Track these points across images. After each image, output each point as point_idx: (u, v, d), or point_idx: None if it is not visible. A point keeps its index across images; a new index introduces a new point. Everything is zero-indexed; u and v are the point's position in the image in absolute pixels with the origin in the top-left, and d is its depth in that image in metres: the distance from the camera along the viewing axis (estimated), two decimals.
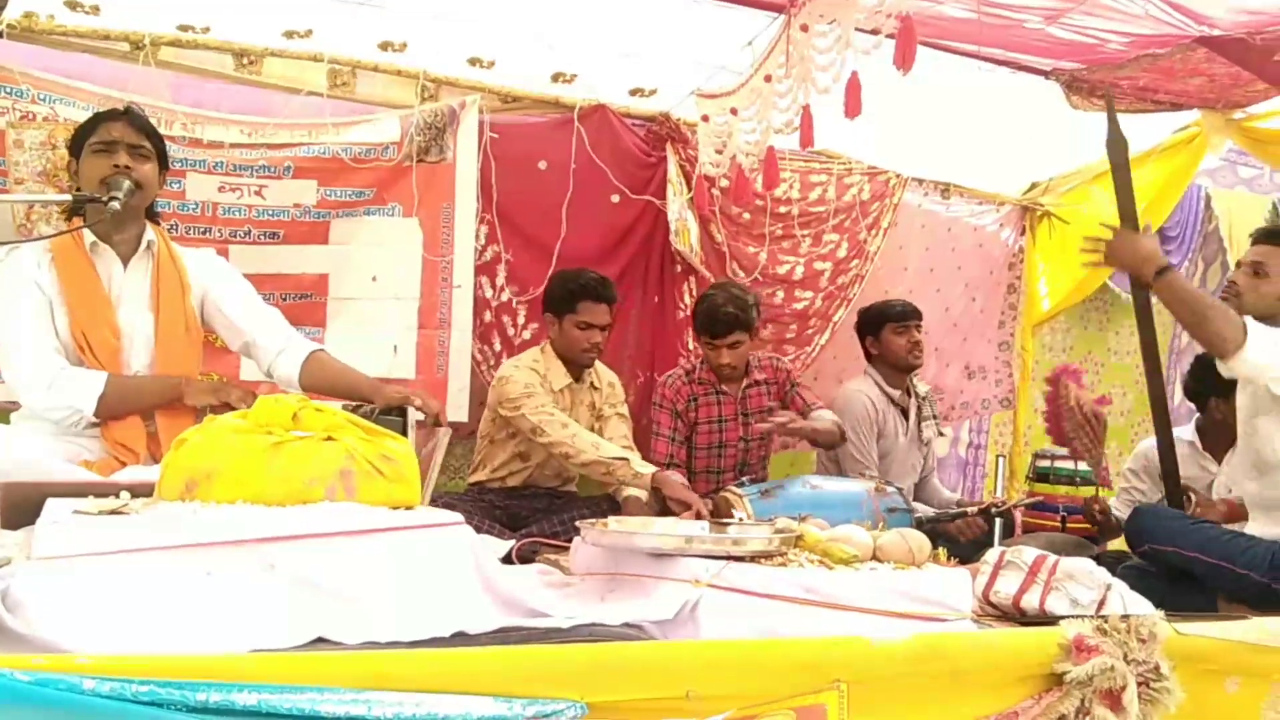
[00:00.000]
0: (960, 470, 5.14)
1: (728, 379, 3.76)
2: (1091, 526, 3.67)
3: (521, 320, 4.01)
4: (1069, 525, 3.70)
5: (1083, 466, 3.77)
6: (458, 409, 3.78)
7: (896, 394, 4.06)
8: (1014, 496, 3.78)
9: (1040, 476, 3.80)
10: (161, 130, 3.16)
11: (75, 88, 3.26)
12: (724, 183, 4.02)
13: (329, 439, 1.84)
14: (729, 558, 2.05)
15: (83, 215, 2.45)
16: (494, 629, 1.75)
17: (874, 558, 2.20)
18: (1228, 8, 3.22)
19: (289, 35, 3.46)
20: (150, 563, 1.63)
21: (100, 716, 1.34)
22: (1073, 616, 2.13)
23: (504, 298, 3.99)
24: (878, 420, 3.99)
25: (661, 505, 3.13)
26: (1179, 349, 5.53)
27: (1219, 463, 3.65)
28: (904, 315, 4.03)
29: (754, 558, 2.09)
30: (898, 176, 4.58)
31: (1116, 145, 3.25)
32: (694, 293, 4.19)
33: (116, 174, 2.39)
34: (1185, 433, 3.83)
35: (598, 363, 3.61)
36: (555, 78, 3.87)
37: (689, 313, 4.17)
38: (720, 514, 3.09)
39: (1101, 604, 2.21)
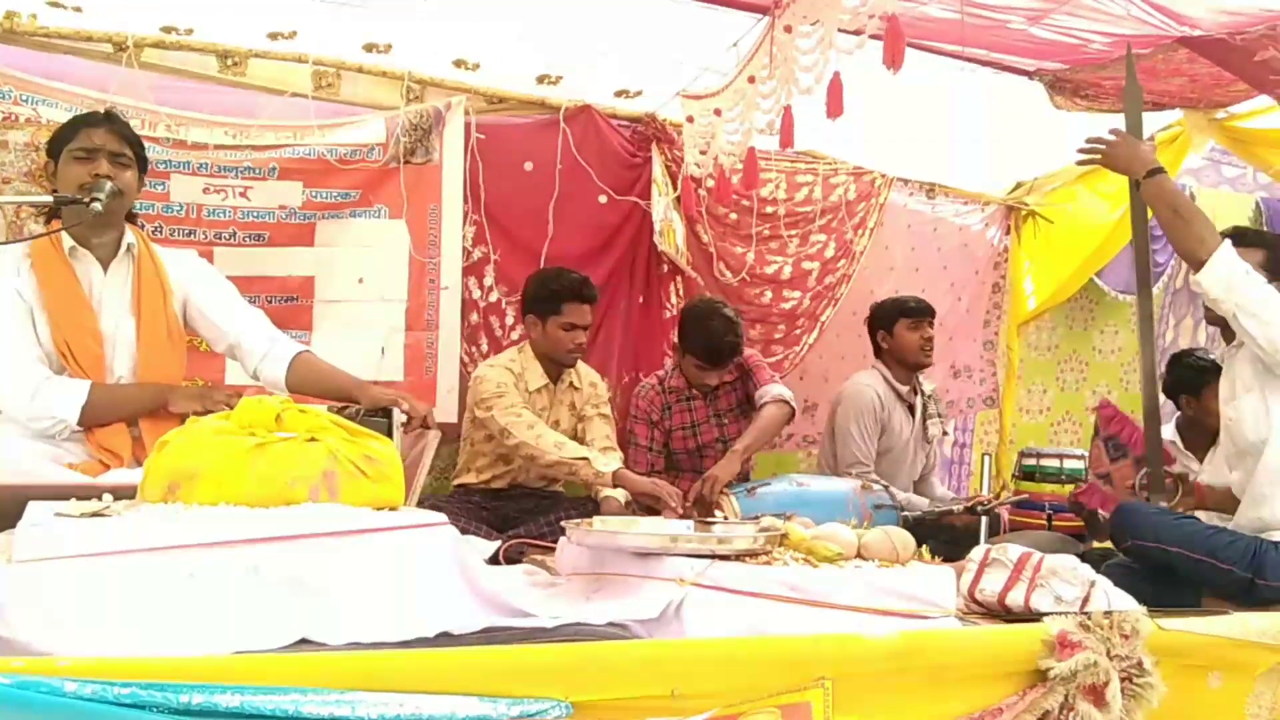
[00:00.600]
0: (946, 469, 5.16)
1: (700, 386, 3.77)
2: (1079, 522, 3.68)
3: (510, 321, 4.01)
4: (1055, 523, 3.71)
5: (1068, 465, 3.79)
6: (446, 411, 3.77)
7: (904, 390, 4.04)
8: (1001, 495, 3.79)
9: (1026, 475, 3.81)
10: (145, 132, 3.18)
11: (57, 89, 3.23)
12: (710, 183, 4.03)
13: (312, 440, 1.84)
14: (714, 556, 2.06)
15: (60, 218, 2.42)
16: (479, 629, 1.76)
17: (858, 555, 2.21)
18: (1209, 9, 3.25)
19: (273, 37, 3.45)
20: (132, 565, 1.62)
21: (82, 719, 1.34)
22: (1057, 613, 2.14)
23: (492, 298, 3.99)
24: (882, 415, 3.96)
25: (647, 505, 3.14)
26: (1162, 347, 5.55)
27: (1199, 461, 3.68)
28: (919, 311, 4.02)
29: (739, 556, 2.09)
30: (883, 177, 4.59)
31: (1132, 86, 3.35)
32: (680, 293, 4.19)
33: (97, 181, 2.37)
34: (1166, 431, 3.85)
35: (580, 363, 3.61)
36: (541, 79, 3.87)
37: (675, 313, 4.19)
38: (706, 512, 3.10)
39: (1086, 600, 2.22)
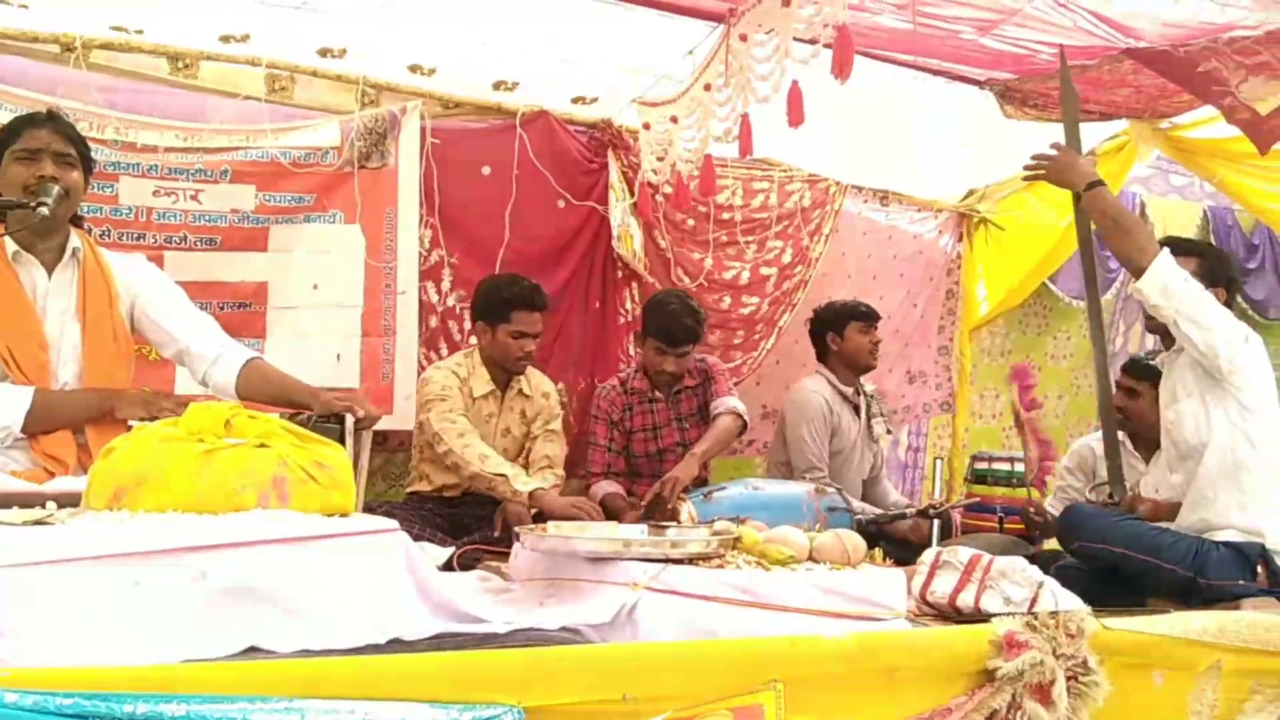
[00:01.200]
0: (900, 473, 5.22)
1: (663, 386, 3.78)
2: (1027, 528, 3.74)
3: (468, 325, 3.98)
4: (1006, 526, 3.77)
5: (1019, 468, 3.85)
6: (404, 417, 3.74)
7: (849, 391, 4.12)
8: (953, 498, 3.84)
9: (978, 478, 3.87)
10: (93, 134, 3.14)
11: (2, 91, 3.18)
12: (667, 189, 4.05)
13: (262, 445, 1.82)
14: (667, 560, 2.07)
15: (4, 222, 2.38)
16: (431, 635, 1.75)
17: (811, 558, 2.23)
18: (1152, 21, 3.32)
19: (225, 39, 3.42)
20: (77, 573, 1.59)
21: None
22: (1005, 614, 2.18)
23: (450, 302, 3.97)
24: (831, 419, 4.03)
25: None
26: (1112, 353, 5.66)
27: (1147, 462, 3.75)
28: (869, 315, 4.13)
29: (692, 560, 2.10)
30: (837, 184, 4.64)
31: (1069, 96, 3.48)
32: (636, 299, 4.21)
33: (42, 183, 2.33)
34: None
35: (533, 370, 3.60)
36: (497, 85, 3.87)
37: (632, 318, 4.20)
38: (662, 516, 3.11)
39: (1034, 601, 2.26)
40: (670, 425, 3.81)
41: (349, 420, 2.35)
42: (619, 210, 4.01)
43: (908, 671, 2.01)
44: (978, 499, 3.82)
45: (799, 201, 4.57)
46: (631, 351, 4.21)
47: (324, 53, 3.56)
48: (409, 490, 3.58)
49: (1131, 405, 3.82)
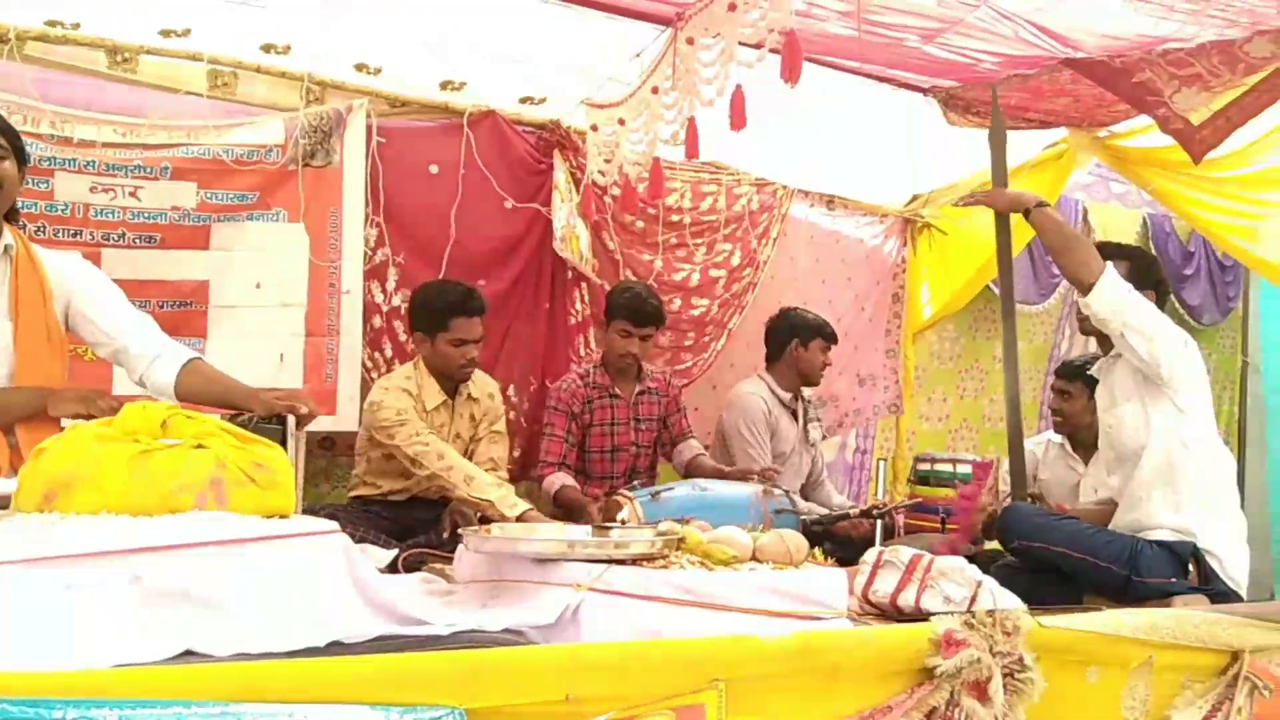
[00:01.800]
0: (847, 475, 5.27)
1: (623, 374, 3.80)
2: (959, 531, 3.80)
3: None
4: (949, 526, 3.82)
5: (961, 469, 3.91)
6: (348, 418, 3.71)
7: (787, 397, 4.18)
8: (896, 499, 3.90)
9: (921, 479, 3.92)
10: (28, 129, 3.07)
11: None
12: (616, 191, 4.06)
13: (199, 446, 1.80)
14: (611, 561, 2.07)
15: None
16: (371, 638, 1.74)
17: (754, 558, 2.25)
18: (1090, 32, 3.39)
19: (165, 34, 3.35)
20: (5, 577, 1.56)
21: None
22: (945, 613, 2.21)
23: (394, 303, 3.93)
24: (771, 422, 4.09)
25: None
26: (1058, 357, 5.77)
27: (1085, 464, 3.83)
28: (832, 338, 4.24)
29: (636, 560, 2.11)
30: (784, 188, 4.69)
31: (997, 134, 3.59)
32: (585, 300, 4.22)
33: None
34: (1055, 435, 4.01)
35: (476, 372, 3.57)
36: (444, 85, 3.85)
37: (581, 319, 4.21)
38: (610, 517, 3.11)
39: (973, 600, 2.30)
40: (628, 424, 3.83)
41: (290, 421, 2.32)
42: (563, 211, 4.01)
43: (848, 670, 2.03)
44: (920, 499, 3.87)
45: (747, 205, 4.60)
46: (581, 352, 4.22)
47: (268, 49, 3.51)
48: (353, 494, 3.54)
49: (1065, 407, 3.91)
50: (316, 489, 3.97)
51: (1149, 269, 3.15)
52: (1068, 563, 2.95)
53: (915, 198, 5.15)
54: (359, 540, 2.82)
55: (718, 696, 1.85)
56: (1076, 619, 2.34)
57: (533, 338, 4.22)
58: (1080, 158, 4.45)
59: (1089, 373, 3.49)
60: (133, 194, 3.39)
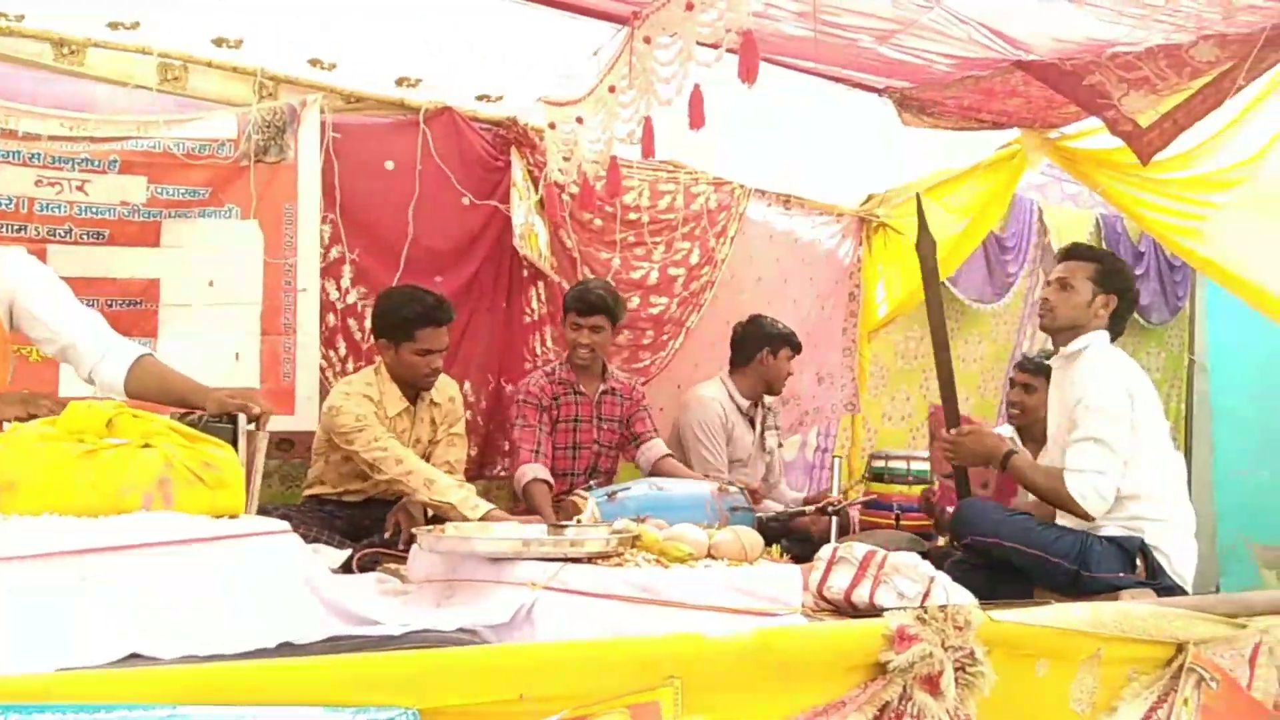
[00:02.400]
0: (808, 473, 5.30)
1: (583, 368, 3.80)
2: (927, 517, 3.85)
3: (369, 324, 3.91)
4: (903, 522, 3.87)
5: (915, 466, 3.96)
6: (306, 418, 3.65)
7: (746, 405, 4.20)
8: (851, 496, 3.94)
9: (876, 476, 3.96)
10: None
11: None
12: (574, 189, 4.05)
13: (146, 446, 1.77)
14: (566, 559, 2.07)
15: None
16: (322, 638, 1.72)
17: (709, 555, 2.25)
18: (1041, 35, 3.44)
19: (113, 26, 3.29)
20: None
21: None
22: (898, 608, 2.23)
23: (350, 300, 3.89)
24: (727, 426, 4.12)
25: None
26: (1020, 356, 5.84)
27: (1034, 456, 3.88)
28: (798, 346, 4.28)
29: (591, 559, 2.11)
30: (741, 187, 4.70)
31: (926, 243, 3.63)
32: (542, 298, 4.21)
33: None
34: (1005, 430, 4.07)
35: None
36: (400, 81, 3.82)
37: (538, 317, 4.20)
38: (568, 517, 3.11)
39: (926, 595, 2.33)
40: (591, 422, 3.85)
41: (241, 420, 2.29)
42: (522, 209, 4.00)
43: (802, 666, 2.04)
44: (875, 496, 3.91)
45: (705, 204, 4.61)
46: (538, 350, 4.21)
47: (219, 43, 3.46)
48: (307, 493, 3.50)
49: (1028, 400, 3.96)
50: (270, 489, 3.92)
51: (1114, 274, 3.20)
52: (1019, 558, 3.00)
53: (870, 197, 5.19)
54: (312, 540, 2.80)
55: (673, 694, 1.85)
56: (1026, 613, 2.37)
57: (490, 336, 4.20)
58: (1032, 158, 4.52)
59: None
60: (80, 188, 3.32)
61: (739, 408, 4.20)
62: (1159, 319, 6.30)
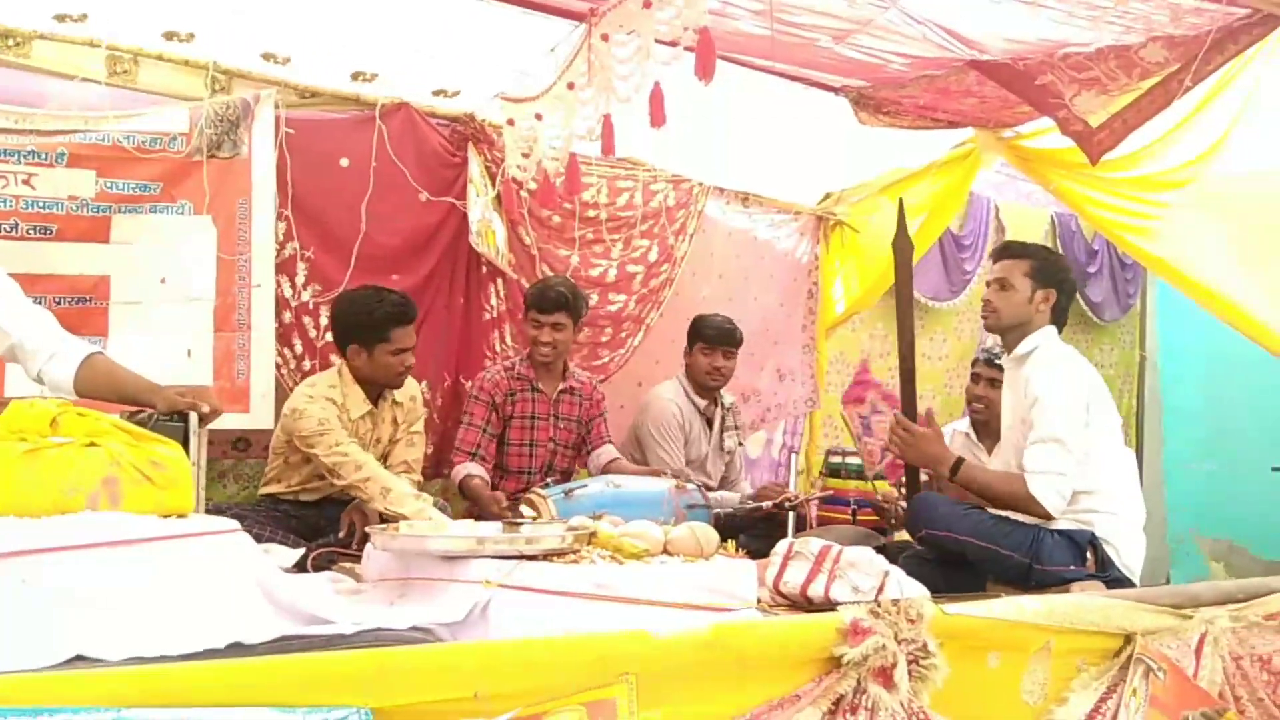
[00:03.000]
0: (773, 471, 5.31)
1: (544, 365, 3.79)
2: (880, 517, 3.88)
3: (324, 321, 3.88)
4: (859, 518, 3.91)
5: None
6: (262, 416, 3.60)
7: (702, 404, 4.20)
8: (808, 491, 3.97)
9: (832, 472, 3.99)
10: None
11: None
12: (532, 185, 4.04)
13: (92, 445, 1.74)
14: (521, 557, 2.06)
15: None
16: (273, 638, 1.70)
17: (665, 551, 2.26)
18: (994, 35, 3.49)
19: (60, 18, 3.23)
20: None
21: None
22: (852, 603, 2.26)
23: (305, 297, 3.85)
24: (684, 425, 4.12)
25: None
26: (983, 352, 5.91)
27: (989, 452, 3.93)
28: (712, 339, 4.16)
29: (547, 556, 2.11)
30: (700, 185, 4.71)
31: (904, 244, 3.57)
32: (501, 295, 4.19)
33: None
34: (961, 424, 4.12)
35: None
36: (355, 76, 3.78)
37: (496, 315, 4.19)
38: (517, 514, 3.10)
39: (881, 590, 2.35)
40: (548, 420, 3.83)
41: (193, 418, 2.26)
42: (479, 205, 3.98)
43: (758, 661, 2.06)
44: (831, 492, 3.94)
45: (664, 201, 4.62)
46: (497, 348, 4.19)
47: (170, 36, 3.40)
48: (263, 492, 3.46)
49: (992, 395, 3.99)
50: (224, 489, 3.88)
51: (1050, 268, 3.24)
52: (972, 551, 3.04)
53: (828, 195, 5.22)
54: (264, 540, 2.77)
55: (628, 690, 1.86)
56: (978, 606, 2.41)
57: (447, 333, 4.17)
58: (986, 157, 4.57)
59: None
60: (25, 182, 3.25)
61: (696, 407, 4.20)
62: (1111, 316, 6.40)
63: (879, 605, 2.21)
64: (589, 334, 4.49)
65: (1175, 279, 4.27)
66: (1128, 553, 3.09)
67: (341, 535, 3.05)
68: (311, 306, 3.83)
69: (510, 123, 3.74)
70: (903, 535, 3.69)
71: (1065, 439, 2.97)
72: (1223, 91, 3.72)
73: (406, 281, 3.88)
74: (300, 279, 3.82)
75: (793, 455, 4.27)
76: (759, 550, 2.66)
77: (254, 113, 3.58)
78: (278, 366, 3.74)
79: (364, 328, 3.30)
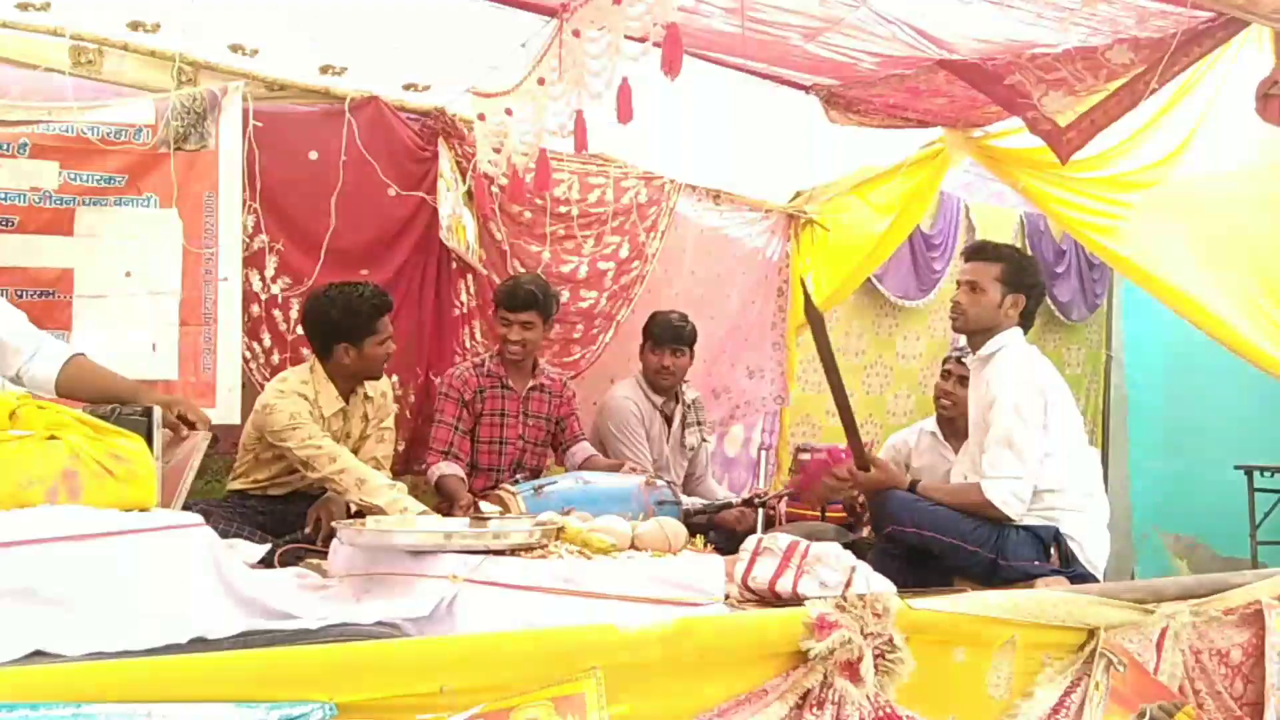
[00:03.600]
0: (750, 470, 5.32)
1: (514, 363, 3.78)
2: (848, 515, 3.90)
3: (294, 314, 3.84)
4: (828, 514, 3.92)
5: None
6: (228, 411, 3.56)
7: (660, 401, 4.20)
8: (777, 488, 3.98)
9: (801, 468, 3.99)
10: None
11: None
12: (503, 180, 4.02)
13: (52, 438, 1.72)
14: (489, 552, 2.06)
15: None
16: (236, 633, 1.69)
17: (633, 546, 2.26)
18: (963, 35, 3.51)
19: (23, 7, 3.18)
20: None
21: None
22: (819, 597, 2.27)
23: (274, 291, 3.82)
24: (645, 424, 4.13)
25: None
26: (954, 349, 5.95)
27: (956, 452, 3.96)
28: (659, 338, 4.15)
29: (514, 551, 2.10)
30: (671, 182, 4.72)
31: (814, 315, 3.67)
32: (470, 290, 4.18)
33: None
34: (928, 424, 4.15)
35: None
36: (324, 69, 3.75)
37: (467, 310, 4.17)
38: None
39: (848, 585, 2.37)
40: (518, 417, 3.82)
41: (156, 413, 2.24)
42: (449, 200, 3.96)
43: (725, 655, 2.07)
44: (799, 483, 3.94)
45: (635, 198, 4.62)
46: (467, 344, 4.18)
47: (135, 26, 3.36)
48: (231, 487, 3.43)
49: (960, 392, 4.01)
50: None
51: (1021, 272, 3.26)
52: (938, 546, 3.06)
53: (798, 194, 5.24)
54: (229, 535, 2.74)
55: (596, 685, 1.86)
56: (943, 600, 2.43)
57: (418, 329, 4.16)
58: (955, 157, 4.60)
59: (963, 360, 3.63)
60: None
61: (654, 404, 4.20)
62: (1079, 316, 6.47)
63: (845, 600, 2.22)
64: (560, 330, 4.48)
65: (1140, 278, 4.31)
66: (1092, 549, 3.13)
67: (308, 531, 3.03)
68: (281, 300, 3.81)
69: (481, 117, 3.73)
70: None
71: (1019, 442, 3.00)
72: (1188, 94, 3.76)
73: (376, 276, 3.85)
74: (270, 272, 3.79)
75: (763, 453, 4.28)
76: (727, 548, 2.67)
77: (222, 105, 3.55)
78: (246, 360, 3.71)
79: (351, 325, 3.29)
